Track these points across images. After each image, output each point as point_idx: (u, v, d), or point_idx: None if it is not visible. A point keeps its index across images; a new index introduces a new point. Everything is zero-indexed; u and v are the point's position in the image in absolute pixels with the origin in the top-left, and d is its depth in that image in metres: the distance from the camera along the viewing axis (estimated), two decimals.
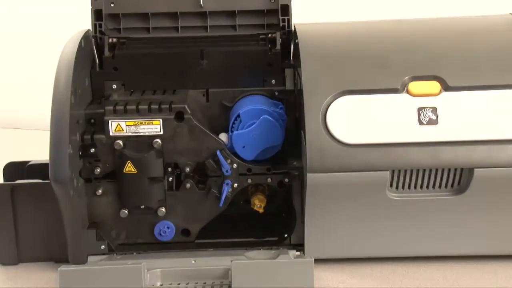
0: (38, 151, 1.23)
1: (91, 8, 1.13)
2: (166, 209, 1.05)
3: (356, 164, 0.94)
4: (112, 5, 1.13)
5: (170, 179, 1.05)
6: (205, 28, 1.14)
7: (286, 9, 1.13)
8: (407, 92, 0.97)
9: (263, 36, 1.13)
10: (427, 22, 1.11)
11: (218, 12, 1.13)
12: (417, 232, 1.01)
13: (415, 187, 0.97)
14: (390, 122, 0.95)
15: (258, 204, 1.06)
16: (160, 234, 1.06)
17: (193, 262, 0.99)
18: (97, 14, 1.13)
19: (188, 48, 1.10)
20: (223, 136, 1.06)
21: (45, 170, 1.00)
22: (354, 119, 0.95)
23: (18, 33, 2.02)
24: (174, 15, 1.14)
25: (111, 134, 1.03)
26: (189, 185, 1.05)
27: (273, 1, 1.13)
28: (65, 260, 1.04)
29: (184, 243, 1.07)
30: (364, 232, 1.01)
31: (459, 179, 0.96)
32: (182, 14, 1.13)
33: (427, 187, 0.97)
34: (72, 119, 0.99)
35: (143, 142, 1.03)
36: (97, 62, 1.11)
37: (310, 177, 0.94)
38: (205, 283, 0.96)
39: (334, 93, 0.96)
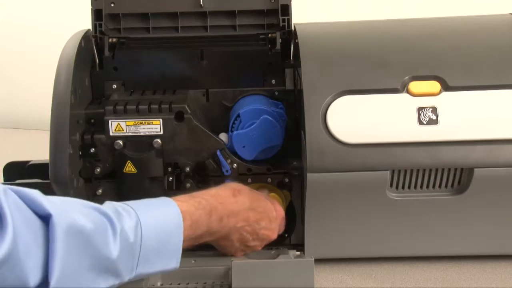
0: (38, 151, 1.23)
1: (91, 8, 1.13)
2: None
3: (356, 164, 0.94)
4: (112, 5, 1.13)
5: (170, 179, 1.05)
6: (205, 28, 1.14)
7: (286, 9, 1.13)
8: (407, 92, 0.96)
9: (263, 36, 1.13)
10: (427, 22, 1.11)
11: (218, 12, 1.13)
12: (417, 232, 1.01)
13: (415, 187, 0.97)
14: (390, 122, 0.95)
15: None
16: None
17: (193, 262, 0.99)
18: (97, 14, 1.13)
19: (188, 48, 1.10)
20: (223, 136, 1.06)
21: (45, 170, 1.00)
22: (354, 119, 0.95)
23: (18, 33, 2.02)
24: (174, 15, 1.14)
25: (111, 134, 1.03)
26: (189, 185, 1.05)
27: (273, 1, 1.13)
28: None
29: None
30: (364, 232, 1.01)
31: (459, 179, 0.96)
32: (182, 14, 1.13)
33: (427, 187, 0.97)
34: (72, 119, 0.99)
35: (143, 142, 1.03)
36: (97, 62, 1.11)
37: (310, 177, 0.94)
38: (205, 283, 0.96)
39: (334, 93, 0.96)
